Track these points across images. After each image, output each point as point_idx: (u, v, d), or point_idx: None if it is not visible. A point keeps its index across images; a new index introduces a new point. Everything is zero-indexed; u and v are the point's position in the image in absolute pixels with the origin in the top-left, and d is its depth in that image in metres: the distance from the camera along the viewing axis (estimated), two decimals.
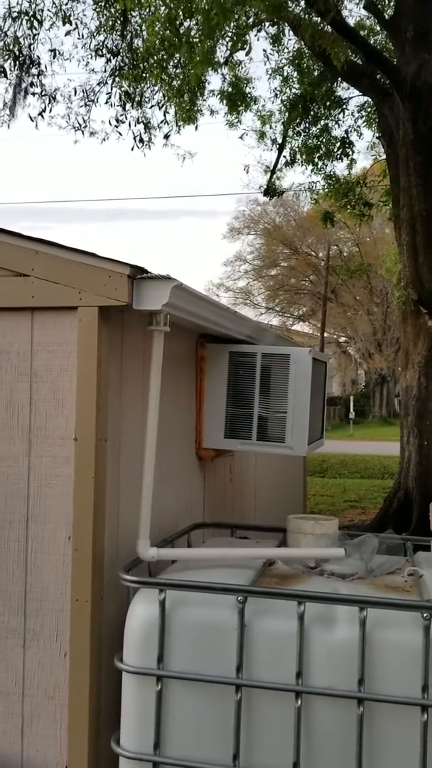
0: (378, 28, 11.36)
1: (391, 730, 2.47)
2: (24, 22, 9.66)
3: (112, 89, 10.53)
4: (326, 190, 12.67)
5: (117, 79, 10.28)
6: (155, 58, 9.37)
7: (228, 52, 10.12)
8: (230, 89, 11.15)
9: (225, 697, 2.56)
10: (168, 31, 8.52)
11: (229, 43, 10.05)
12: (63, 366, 2.87)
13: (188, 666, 2.60)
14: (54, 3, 9.92)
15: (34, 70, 10.07)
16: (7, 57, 9.79)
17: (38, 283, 2.86)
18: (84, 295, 2.80)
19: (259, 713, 2.56)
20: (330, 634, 2.54)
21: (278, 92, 11.86)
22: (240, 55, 10.72)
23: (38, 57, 10.08)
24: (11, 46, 9.73)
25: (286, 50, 11.52)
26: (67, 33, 9.98)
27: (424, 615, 2.45)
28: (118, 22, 9.97)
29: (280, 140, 12.39)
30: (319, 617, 2.57)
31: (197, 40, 8.73)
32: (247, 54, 9.61)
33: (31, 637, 2.86)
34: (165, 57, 9.43)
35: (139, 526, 2.93)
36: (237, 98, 11.37)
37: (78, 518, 2.80)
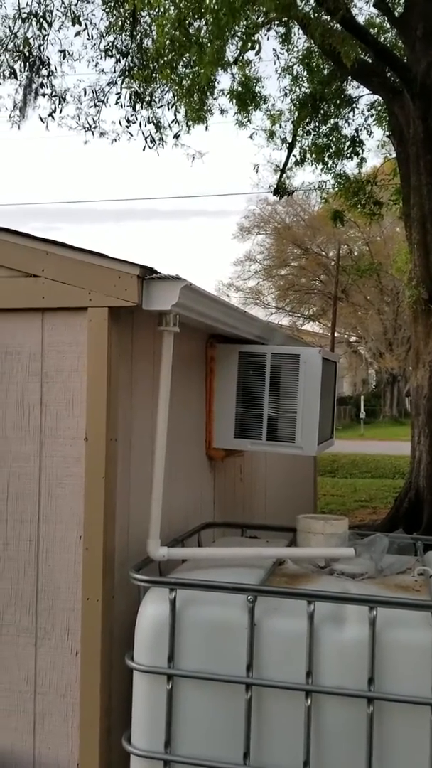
0: (388, 26, 11.33)
1: (401, 729, 2.46)
2: (33, 23, 9.70)
3: (121, 90, 10.56)
4: (336, 189, 12.64)
5: (127, 79, 10.30)
6: (165, 59, 9.39)
7: (238, 51, 10.12)
8: (240, 89, 11.15)
9: (235, 696, 2.57)
10: (177, 32, 8.53)
11: (239, 43, 10.06)
12: (73, 366, 2.88)
13: (199, 665, 2.61)
14: (63, 3, 9.97)
15: (44, 71, 10.11)
16: (17, 58, 9.84)
17: (48, 283, 2.87)
18: (94, 296, 2.82)
19: (269, 712, 2.56)
20: (340, 633, 2.55)
21: (288, 91, 11.86)
22: (250, 54, 10.73)
23: (48, 58, 10.14)
24: (21, 48, 9.78)
25: (295, 49, 11.53)
26: (77, 34, 10.02)
27: None
28: (128, 22, 9.99)
29: (289, 139, 12.39)
30: (329, 617, 2.57)
31: (207, 40, 8.74)
32: (257, 54, 9.60)
33: (43, 635, 2.88)
34: (175, 57, 9.45)
35: (150, 525, 2.95)
36: (247, 98, 11.37)
37: (89, 518, 2.81)
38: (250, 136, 12.31)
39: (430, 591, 2.78)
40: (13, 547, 2.94)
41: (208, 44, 8.66)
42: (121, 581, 2.89)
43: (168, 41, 8.83)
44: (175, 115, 10.62)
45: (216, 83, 10.50)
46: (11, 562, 2.94)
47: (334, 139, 12.26)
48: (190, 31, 8.84)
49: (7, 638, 2.92)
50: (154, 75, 10.14)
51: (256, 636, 2.57)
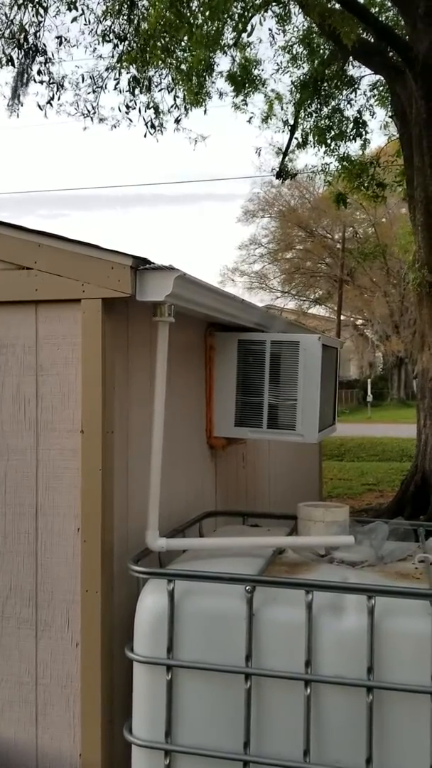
0: (389, 4, 11.17)
1: (401, 718, 2.46)
2: (29, 9, 9.58)
3: (120, 75, 10.45)
4: (339, 171, 12.53)
5: (125, 64, 10.19)
6: (161, 42, 9.27)
7: (234, 34, 10.00)
8: (238, 72, 11.02)
9: (235, 686, 2.57)
10: (170, 14, 8.41)
11: (239, 24, 9.93)
12: (68, 359, 2.87)
13: (198, 655, 2.61)
14: None
15: (40, 58, 10.01)
16: (14, 45, 9.73)
17: (41, 275, 2.85)
18: (87, 288, 2.80)
19: (268, 702, 2.56)
20: (338, 622, 2.54)
21: (288, 72, 11.71)
22: (251, 36, 10.58)
23: (44, 45, 10.03)
24: (17, 34, 9.67)
25: (295, 29, 11.38)
26: (74, 19, 9.90)
27: None
28: (125, 5, 9.87)
29: (291, 122, 12.26)
30: (327, 606, 2.56)
31: (201, 22, 8.63)
32: (248, 36, 9.48)
33: (43, 627, 2.89)
34: (169, 40, 9.33)
35: (148, 516, 2.94)
36: (245, 80, 11.23)
37: (86, 510, 2.81)
38: (249, 120, 12.19)
39: (430, 578, 2.77)
40: (12, 540, 2.94)
41: (203, 26, 8.55)
42: (120, 573, 2.89)
43: (160, 24, 8.71)
44: (175, 99, 10.53)
45: (215, 66, 10.38)
46: (10, 554, 2.94)
47: (336, 120, 12.14)
48: (186, 13, 8.71)
49: (8, 630, 2.93)
50: (150, 57, 10.03)
51: (254, 626, 2.57)
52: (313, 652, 2.51)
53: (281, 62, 11.54)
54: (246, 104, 11.50)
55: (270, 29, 11.33)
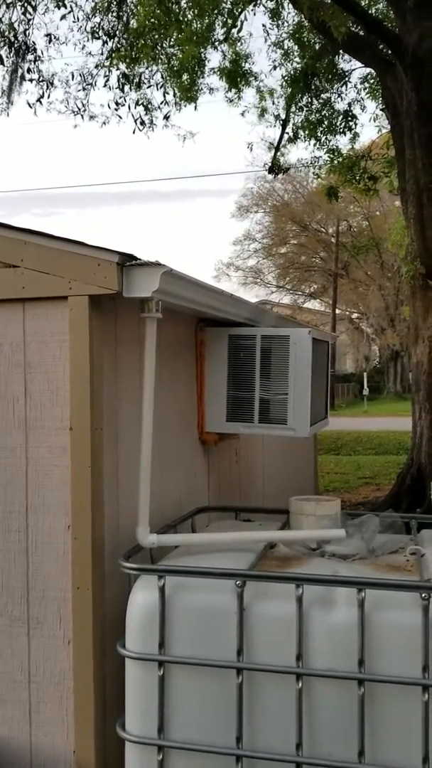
0: None
1: (393, 710, 2.47)
2: (18, 7, 9.53)
3: (110, 72, 10.41)
4: (329, 165, 12.50)
5: (114, 61, 10.15)
6: (151, 39, 9.24)
7: (223, 29, 9.96)
8: (230, 66, 10.98)
9: (227, 681, 2.58)
10: (159, 11, 8.38)
11: (229, 21, 9.90)
12: (56, 356, 2.86)
13: (190, 651, 2.61)
14: None
15: (30, 56, 9.97)
16: (3, 44, 9.69)
17: (28, 273, 2.85)
18: (74, 285, 2.79)
19: (260, 696, 2.57)
20: (329, 615, 2.54)
21: (279, 66, 11.67)
22: (241, 31, 10.54)
23: (33, 42, 9.98)
24: (6, 33, 9.63)
25: (285, 24, 11.34)
26: (62, 17, 9.85)
27: (423, 595, 2.44)
28: (114, 2, 9.83)
29: (283, 116, 12.24)
30: (318, 599, 2.57)
31: (190, 18, 8.60)
32: (238, 32, 9.45)
33: (35, 625, 2.89)
34: (158, 37, 9.29)
35: (138, 512, 2.94)
36: (237, 75, 11.20)
37: (76, 507, 2.81)
38: (242, 114, 12.17)
39: (421, 571, 2.78)
40: (3, 538, 2.94)
41: (193, 22, 8.52)
42: (111, 569, 2.89)
43: (149, 21, 8.67)
44: (164, 96, 10.49)
45: (206, 61, 10.35)
46: (1, 552, 2.94)
47: (326, 114, 12.11)
48: (175, 9, 8.68)
49: (0, 628, 2.93)
50: (140, 55, 9.99)
51: (245, 620, 2.57)
52: (304, 645, 2.52)
53: (276, 62, 11.50)
54: (240, 98, 11.47)
55: (263, 25, 11.23)
